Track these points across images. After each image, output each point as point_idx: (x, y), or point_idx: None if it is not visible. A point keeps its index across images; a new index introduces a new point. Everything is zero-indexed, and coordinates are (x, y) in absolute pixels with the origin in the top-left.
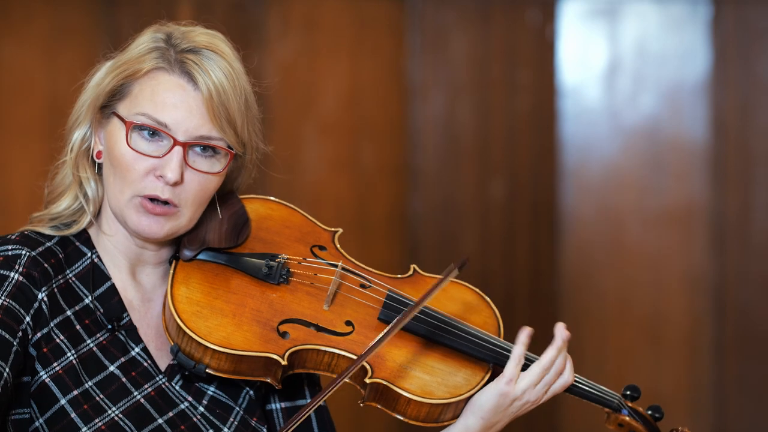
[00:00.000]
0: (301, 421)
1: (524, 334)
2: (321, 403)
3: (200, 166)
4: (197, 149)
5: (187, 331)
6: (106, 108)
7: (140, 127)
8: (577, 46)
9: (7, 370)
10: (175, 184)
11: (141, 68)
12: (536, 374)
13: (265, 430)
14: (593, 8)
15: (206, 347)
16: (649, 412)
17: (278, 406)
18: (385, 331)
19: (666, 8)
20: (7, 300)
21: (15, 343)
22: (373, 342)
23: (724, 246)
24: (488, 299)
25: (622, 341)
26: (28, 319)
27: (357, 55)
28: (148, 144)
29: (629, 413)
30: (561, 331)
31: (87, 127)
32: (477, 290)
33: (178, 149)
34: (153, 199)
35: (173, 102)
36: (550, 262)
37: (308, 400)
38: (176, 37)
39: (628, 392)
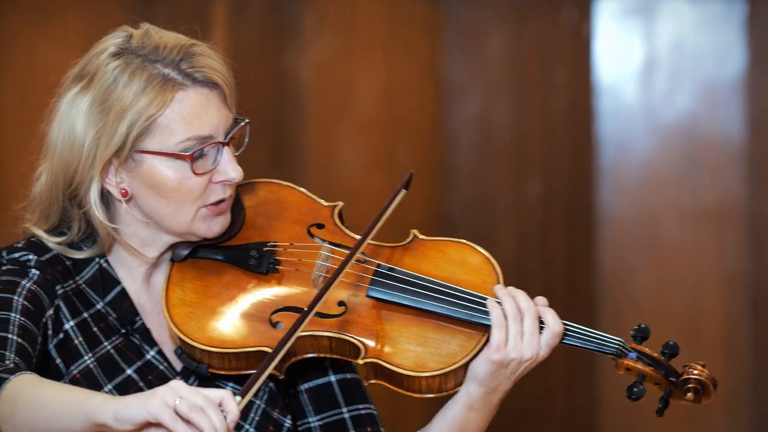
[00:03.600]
0: (257, 386)
1: (499, 290)
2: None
3: (235, 152)
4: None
5: (180, 334)
6: (122, 152)
7: (200, 153)
8: (613, 44)
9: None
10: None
11: (164, 102)
12: (514, 328)
13: (288, 420)
14: (629, 6)
15: (201, 349)
16: (666, 351)
17: (303, 387)
18: (331, 278)
19: (702, 6)
20: (34, 287)
21: (39, 334)
22: (317, 295)
23: (761, 244)
24: (489, 255)
25: (659, 340)
26: (50, 312)
27: (392, 53)
28: (199, 162)
29: (637, 356)
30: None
31: (98, 179)
32: (479, 248)
33: (227, 149)
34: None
35: (206, 112)
36: (586, 261)
37: (331, 378)
38: (149, 50)
39: (635, 334)
